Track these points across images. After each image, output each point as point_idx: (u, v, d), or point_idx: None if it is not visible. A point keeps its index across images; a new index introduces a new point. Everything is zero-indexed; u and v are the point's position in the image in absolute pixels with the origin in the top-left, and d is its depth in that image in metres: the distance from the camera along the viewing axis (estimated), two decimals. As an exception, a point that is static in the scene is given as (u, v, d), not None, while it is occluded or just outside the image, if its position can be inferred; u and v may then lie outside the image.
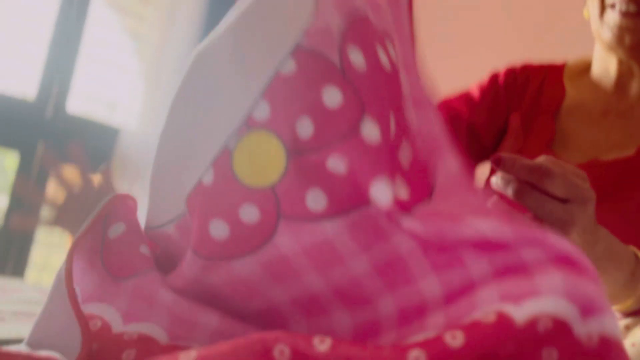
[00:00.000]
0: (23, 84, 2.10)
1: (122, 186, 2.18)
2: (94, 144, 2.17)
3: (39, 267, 2.12)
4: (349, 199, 0.48)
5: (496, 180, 0.69)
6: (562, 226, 0.64)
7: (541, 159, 0.66)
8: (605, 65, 0.89)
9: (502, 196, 0.68)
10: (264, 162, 0.50)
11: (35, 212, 2.07)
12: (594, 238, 0.67)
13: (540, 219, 0.65)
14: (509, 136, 0.92)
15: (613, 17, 0.79)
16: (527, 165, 0.63)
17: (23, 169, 2.06)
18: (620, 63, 0.87)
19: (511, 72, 1.01)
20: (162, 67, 2.27)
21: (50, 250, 2.18)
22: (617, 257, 0.70)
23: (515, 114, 0.96)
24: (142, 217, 0.61)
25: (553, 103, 0.93)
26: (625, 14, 0.78)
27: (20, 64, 2.10)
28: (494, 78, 1.03)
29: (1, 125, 2.02)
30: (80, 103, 2.21)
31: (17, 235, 2.02)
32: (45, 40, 2.11)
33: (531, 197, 0.64)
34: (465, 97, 1.03)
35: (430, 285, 0.47)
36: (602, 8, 0.81)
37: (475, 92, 1.03)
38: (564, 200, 0.63)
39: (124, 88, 2.32)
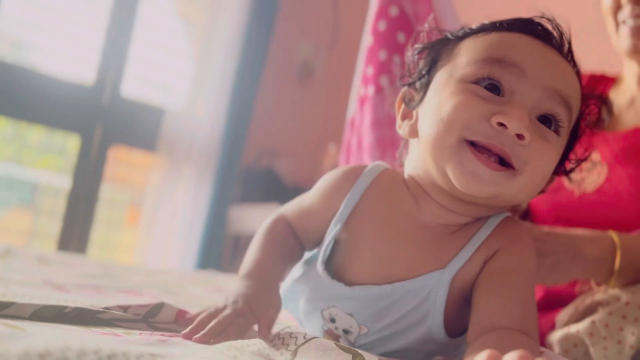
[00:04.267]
0: (82, 69, 2.19)
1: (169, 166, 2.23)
2: (147, 127, 2.25)
3: (100, 245, 2.23)
4: None
5: None
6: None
7: None
8: (630, 68, 1.05)
9: None
10: None
11: (96, 188, 2.16)
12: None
13: None
14: None
15: (625, 31, 0.97)
16: None
17: (83, 152, 2.16)
18: None
19: None
20: (212, 49, 2.32)
21: (109, 230, 2.28)
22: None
23: None
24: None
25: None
26: (634, 28, 0.95)
27: (79, 50, 2.19)
28: None
29: (63, 110, 2.12)
30: (135, 87, 2.29)
31: (80, 215, 2.12)
32: (101, 27, 2.19)
33: None
34: None
35: None
36: (616, 25, 0.99)
37: None
38: None
39: (175, 71, 2.39)
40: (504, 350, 0.44)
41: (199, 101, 2.30)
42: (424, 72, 0.65)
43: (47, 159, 2.29)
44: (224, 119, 2.31)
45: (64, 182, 2.16)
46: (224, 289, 1.15)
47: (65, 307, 0.59)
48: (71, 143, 2.21)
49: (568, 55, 0.63)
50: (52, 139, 2.23)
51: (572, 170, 0.67)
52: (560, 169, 0.66)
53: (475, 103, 0.57)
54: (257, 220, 2.05)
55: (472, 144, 0.57)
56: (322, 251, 0.66)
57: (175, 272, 1.32)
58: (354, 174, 0.68)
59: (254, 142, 2.37)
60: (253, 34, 2.38)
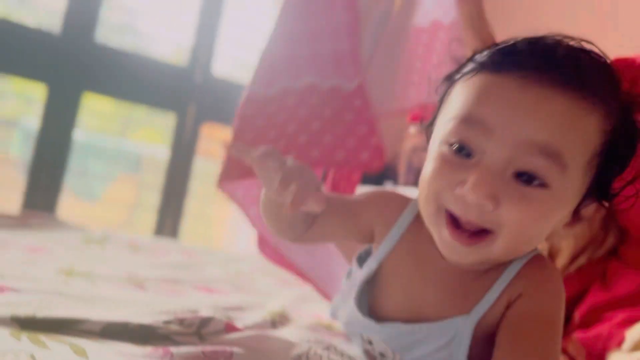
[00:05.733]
0: (175, 49, 2.33)
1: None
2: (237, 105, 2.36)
3: (194, 218, 2.40)
4: None
5: None
6: None
7: None
8: None
9: None
10: None
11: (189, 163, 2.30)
12: None
13: None
14: None
15: None
16: None
17: (179, 129, 2.32)
18: None
19: None
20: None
21: (203, 203, 2.45)
22: None
23: None
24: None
25: None
26: None
27: (173, 30, 2.32)
28: None
29: (160, 90, 2.28)
30: (225, 66, 2.39)
31: (176, 188, 2.30)
32: (195, 8, 2.30)
33: None
34: None
35: None
36: None
37: None
38: None
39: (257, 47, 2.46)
40: None
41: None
42: (435, 114, 0.64)
43: (149, 134, 2.48)
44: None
45: (165, 155, 2.33)
46: (290, 282, 1.23)
47: (129, 324, 0.68)
48: (168, 121, 2.37)
49: (580, 79, 0.54)
50: (153, 116, 2.40)
51: (614, 196, 0.61)
52: (598, 199, 0.61)
53: (445, 171, 0.56)
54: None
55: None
56: (357, 288, 0.69)
57: (249, 260, 1.43)
58: (400, 207, 0.68)
59: (337, 120, 2.41)
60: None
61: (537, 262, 0.64)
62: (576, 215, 0.62)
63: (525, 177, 0.54)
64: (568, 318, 1.07)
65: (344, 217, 0.69)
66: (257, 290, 1.10)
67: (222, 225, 2.45)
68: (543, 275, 0.63)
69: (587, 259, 1.07)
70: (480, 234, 0.56)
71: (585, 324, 1.01)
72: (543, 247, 1.09)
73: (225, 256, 1.45)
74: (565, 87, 0.54)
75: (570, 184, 0.56)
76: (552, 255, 1.10)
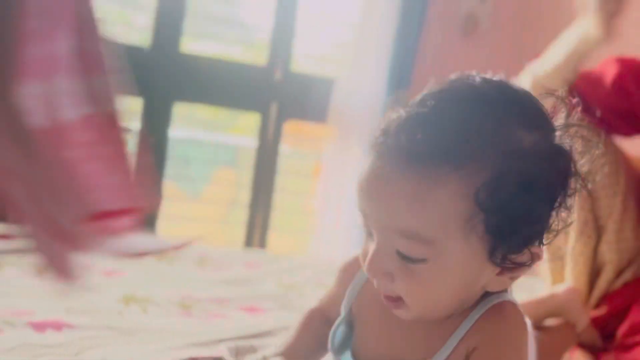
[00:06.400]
0: (253, 51, 2.43)
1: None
2: (317, 98, 2.42)
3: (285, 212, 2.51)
4: None
5: None
6: None
7: None
8: None
9: None
10: None
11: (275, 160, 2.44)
12: None
13: None
14: None
15: None
16: None
17: (263, 128, 2.43)
18: None
19: None
20: (371, 16, 2.35)
21: (294, 197, 2.56)
22: None
23: None
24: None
25: None
26: None
27: (250, 32, 2.42)
28: None
29: (243, 90, 2.39)
30: (301, 61, 2.45)
31: (263, 185, 2.43)
32: (270, 10, 2.37)
33: None
34: None
35: None
36: None
37: None
38: None
39: (335, 41, 2.49)
40: None
41: (359, 69, 2.37)
42: None
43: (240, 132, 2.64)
44: (384, 85, 2.36)
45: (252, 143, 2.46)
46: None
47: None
48: (252, 121, 2.49)
49: (428, 154, 0.54)
50: (238, 118, 2.55)
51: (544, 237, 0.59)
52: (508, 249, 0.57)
53: (364, 246, 0.61)
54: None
55: None
56: (331, 334, 0.72)
57: (311, 269, 1.50)
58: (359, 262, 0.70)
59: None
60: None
61: (498, 312, 0.62)
62: (509, 262, 0.58)
63: (404, 255, 0.57)
64: (612, 336, 1.02)
65: (339, 304, 0.72)
66: (300, 307, 1.17)
67: (312, 217, 2.55)
68: (500, 327, 0.62)
69: (632, 274, 1.02)
70: (398, 299, 0.60)
71: (626, 344, 0.97)
72: (585, 262, 1.04)
73: (288, 264, 1.54)
74: (409, 167, 0.54)
75: (450, 251, 0.56)
76: (598, 269, 1.05)
